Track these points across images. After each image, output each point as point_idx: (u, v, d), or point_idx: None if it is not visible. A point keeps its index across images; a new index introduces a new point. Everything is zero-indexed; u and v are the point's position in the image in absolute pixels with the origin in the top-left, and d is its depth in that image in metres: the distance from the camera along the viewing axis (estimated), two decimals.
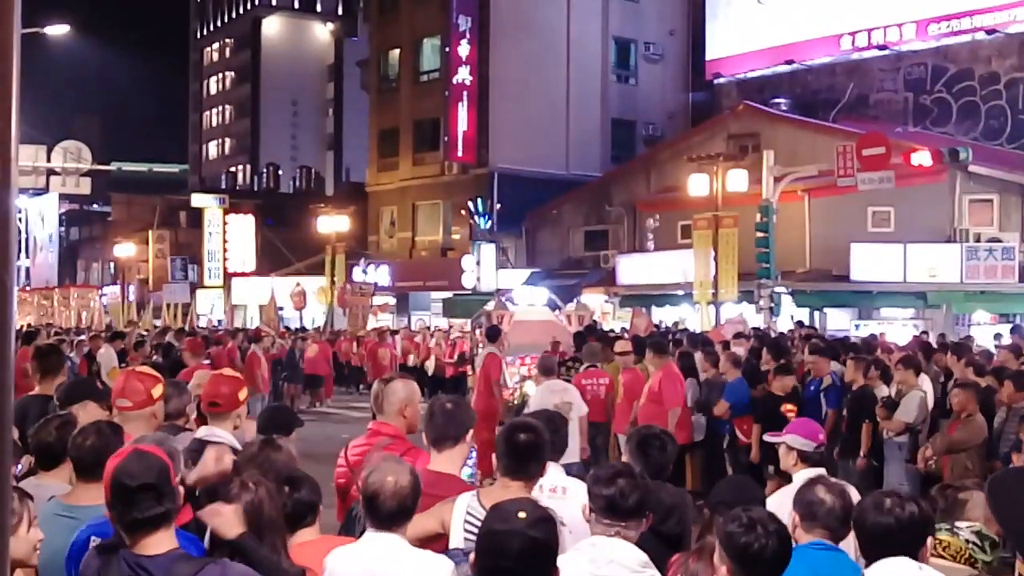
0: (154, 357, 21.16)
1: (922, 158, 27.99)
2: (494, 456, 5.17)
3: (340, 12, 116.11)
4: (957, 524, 4.98)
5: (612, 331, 25.74)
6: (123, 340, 24.26)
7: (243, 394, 6.39)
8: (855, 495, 5.26)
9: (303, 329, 37.22)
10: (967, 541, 4.87)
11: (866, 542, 4.49)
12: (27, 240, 71.33)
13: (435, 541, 4.26)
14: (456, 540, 4.86)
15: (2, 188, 1.98)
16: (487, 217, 43.35)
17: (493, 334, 17.76)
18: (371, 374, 29.03)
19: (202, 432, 5.97)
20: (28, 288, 66.24)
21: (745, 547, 4.02)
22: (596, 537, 4.44)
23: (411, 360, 31.48)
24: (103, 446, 4.67)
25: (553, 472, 5.64)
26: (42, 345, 11.79)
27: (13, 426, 5.63)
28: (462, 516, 4.89)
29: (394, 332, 35.57)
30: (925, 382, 13.66)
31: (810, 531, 4.90)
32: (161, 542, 3.92)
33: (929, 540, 4.48)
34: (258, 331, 29.16)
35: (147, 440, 4.60)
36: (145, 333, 30.20)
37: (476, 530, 4.08)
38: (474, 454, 5.61)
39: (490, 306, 27.70)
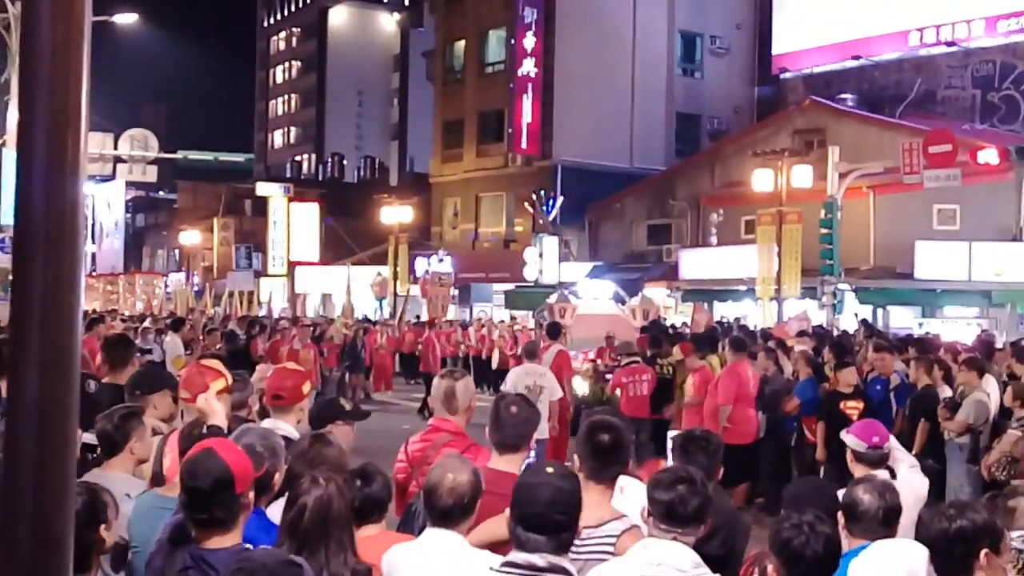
0: (217, 346, 21.35)
1: (989, 156, 27.67)
2: (575, 457, 5.16)
3: (406, 3, 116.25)
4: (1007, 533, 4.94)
5: (674, 326, 25.65)
6: (183, 327, 24.28)
7: (307, 387, 6.44)
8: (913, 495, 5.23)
9: (367, 320, 37.24)
10: (1018, 551, 4.83)
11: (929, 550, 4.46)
12: (94, 226, 72.05)
13: (506, 546, 4.28)
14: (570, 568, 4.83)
15: (71, 175, 2.01)
16: (550, 209, 43.31)
17: (554, 331, 17.65)
18: (424, 365, 28.83)
19: (266, 425, 6.04)
20: (95, 274, 67.01)
21: (787, 543, 4.15)
22: (649, 540, 4.44)
23: (460, 351, 31.56)
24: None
25: None
26: (111, 335, 11.90)
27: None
28: None
29: (465, 325, 35.64)
30: (989, 383, 13.45)
31: (853, 535, 4.88)
32: (224, 539, 4.03)
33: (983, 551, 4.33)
34: (296, 319, 29.19)
35: (252, 434, 4.69)
36: (209, 319, 30.41)
37: None
38: (533, 454, 5.58)
39: (552, 299, 27.65)
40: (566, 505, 4.01)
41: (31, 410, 1.97)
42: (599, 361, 21.98)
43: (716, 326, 24.38)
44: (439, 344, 29.48)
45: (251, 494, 4.19)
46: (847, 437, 6.91)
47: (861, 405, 13.20)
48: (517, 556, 4.00)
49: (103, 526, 4.21)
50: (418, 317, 38.27)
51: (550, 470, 4.16)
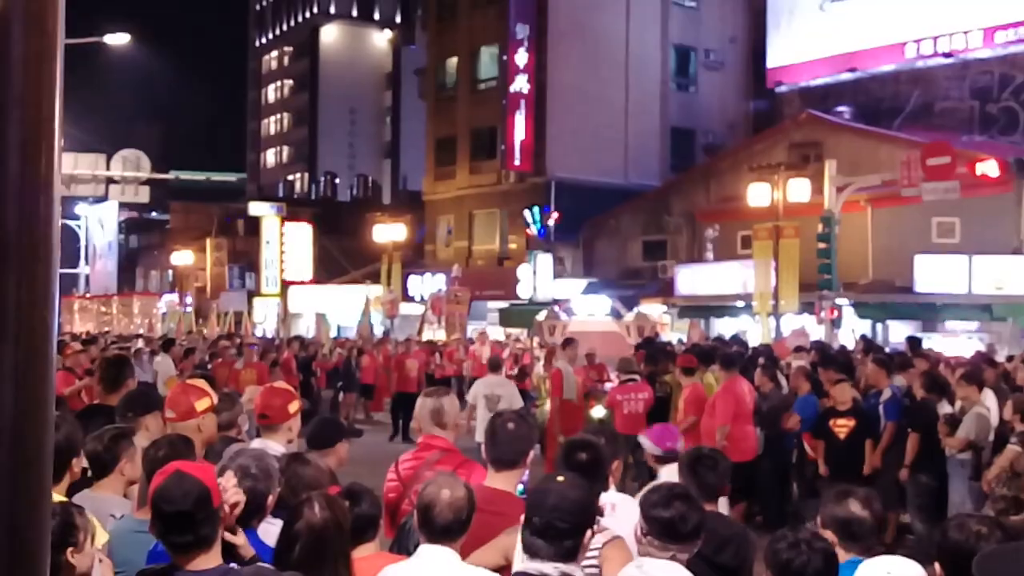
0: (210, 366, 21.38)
1: (988, 168, 27.68)
2: None
3: (398, 21, 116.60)
4: None
5: (670, 343, 25.59)
6: (173, 347, 24.27)
7: (294, 407, 6.45)
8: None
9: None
10: None
11: (947, 564, 4.43)
12: (87, 247, 72.11)
13: (500, 574, 4.30)
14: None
15: (44, 189, 2.01)
16: (544, 226, 43.35)
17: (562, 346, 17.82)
18: (395, 386, 26.67)
19: (255, 444, 6.03)
20: (88, 295, 67.07)
21: (787, 564, 4.15)
22: (644, 559, 4.44)
23: (465, 369, 31.29)
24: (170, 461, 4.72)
25: None
26: (110, 356, 11.92)
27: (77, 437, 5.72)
28: None
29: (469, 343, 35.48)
30: (989, 398, 13.46)
31: (849, 550, 4.87)
32: (208, 559, 4.02)
33: None
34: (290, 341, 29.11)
35: (246, 455, 4.69)
36: (184, 341, 30.28)
37: None
38: (527, 474, 5.58)
39: (541, 316, 27.61)
40: (569, 513, 4.04)
41: (7, 424, 1.97)
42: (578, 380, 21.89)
43: (716, 343, 24.37)
44: (437, 363, 29.12)
45: (226, 507, 4.18)
46: (643, 440, 7.53)
47: (852, 423, 13.24)
48: (528, 565, 4.04)
49: (71, 549, 4.13)
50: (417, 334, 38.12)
51: (560, 478, 4.25)
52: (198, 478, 4.03)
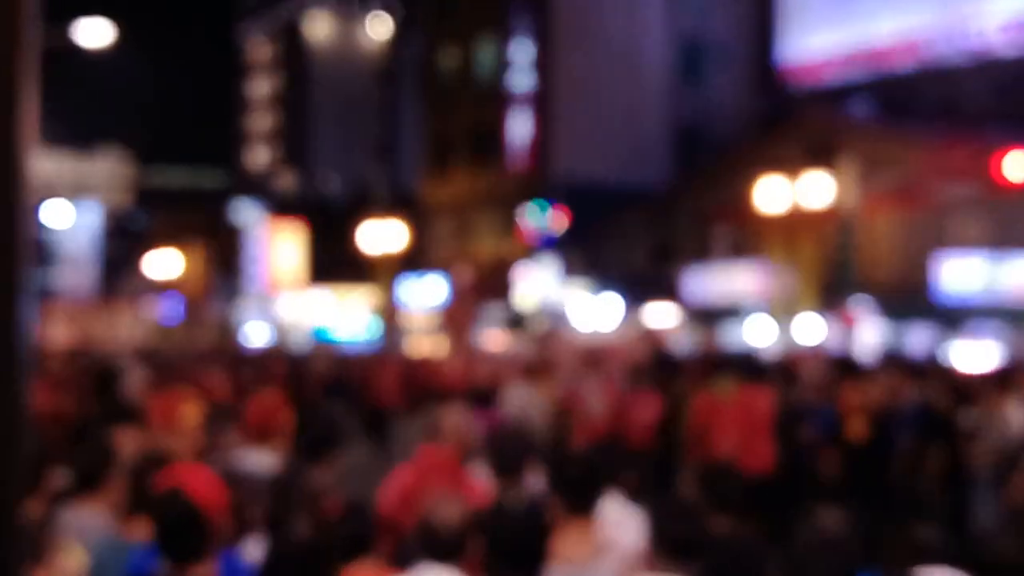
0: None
1: (1011, 167, 27.70)
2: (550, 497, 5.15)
3: (394, 13, 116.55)
4: None
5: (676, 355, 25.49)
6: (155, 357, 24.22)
7: (285, 419, 6.44)
8: None
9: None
10: None
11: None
12: (65, 251, 72.10)
13: None
14: None
15: (17, 181, 1.98)
16: (546, 228, 43.33)
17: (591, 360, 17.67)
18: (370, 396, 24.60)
19: (246, 457, 6.01)
20: (68, 300, 67.03)
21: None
22: (646, 574, 4.42)
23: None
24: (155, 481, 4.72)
25: (609, 501, 5.59)
26: (96, 367, 11.97)
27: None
28: None
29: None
30: (1014, 407, 13.45)
31: None
32: (200, 570, 4.09)
33: None
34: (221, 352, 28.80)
35: (231, 469, 4.69)
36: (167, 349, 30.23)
37: None
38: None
39: (541, 326, 27.62)
40: (536, 535, 4.18)
41: None
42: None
43: (730, 353, 24.29)
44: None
45: (223, 523, 4.19)
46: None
47: (868, 433, 13.26)
48: None
49: (38, 567, 4.11)
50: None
51: (519, 501, 4.43)
52: (193, 493, 4.12)
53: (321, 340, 40.72)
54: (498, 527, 4.19)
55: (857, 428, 13.41)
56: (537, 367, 17.80)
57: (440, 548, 4.44)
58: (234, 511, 4.46)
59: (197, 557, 4.08)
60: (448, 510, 4.50)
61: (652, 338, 25.21)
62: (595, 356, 18.16)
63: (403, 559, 5.44)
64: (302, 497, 5.09)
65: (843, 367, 16.81)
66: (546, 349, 25.16)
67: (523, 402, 16.18)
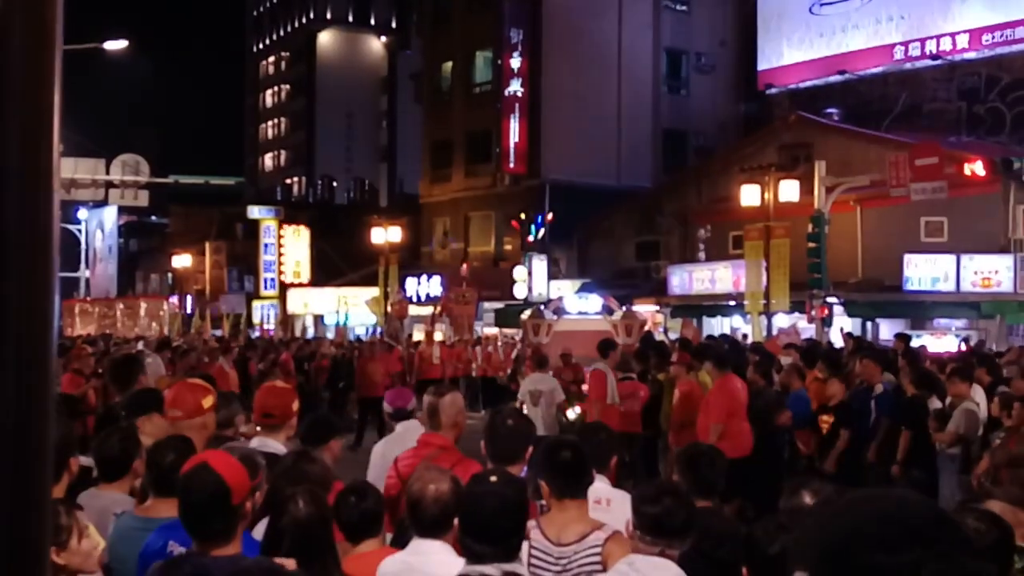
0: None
1: (975, 168, 27.73)
2: (540, 482, 5.12)
3: (394, 26, 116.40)
4: None
5: (663, 342, 25.46)
6: (170, 349, 24.10)
7: (295, 406, 6.42)
8: None
9: (359, 339, 37.13)
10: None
11: None
12: (87, 251, 71.90)
13: None
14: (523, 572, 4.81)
15: (44, 182, 1.98)
16: (538, 228, 43.33)
17: (604, 349, 17.15)
18: (361, 389, 23.85)
19: (255, 443, 6.01)
20: (89, 299, 66.90)
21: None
22: (634, 556, 4.42)
23: (472, 369, 31.11)
24: (180, 463, 4.70)
25: (597, 483, 5.60)
26: (119, 356, 11.91)
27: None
28: (527, 548, 4.76)
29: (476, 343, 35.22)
30: (978, 393, 13.48)
31: None
32: (226, 550, 4.05)
33: None
34: (227, 343, 28.60)
35: (235, 452, 4.68)
36: (182, 342, 30.04)
37: (541, 560, 4.73)
38: (525, 470, 5.56)
39: (526, 315, 27.55)
40: (512, 512, 4.03)
41: (8, 424, 1.94)
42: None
43: (709, 341, 24.28)
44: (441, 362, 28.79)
45: (248, 504, 4.20)
46: (385, 405, 8.09)
47: (834, 418, 13.29)
48: (470, 569, 3.98)
49: (55, 548, 4.09)
50: (410, 336, 37.98)
51: (494, 479, 4.19)
52: (219, 474, 4.07)
53: (326, 334, 40.58)
54: (471, 500, 4.09)
55: (825, 414, 13.45)
56: (543, 358, 17.87)
57: (426, 522, 4.49)
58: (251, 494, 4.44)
59: (226, 537, 4.05)
60: (435, 486, 4.52)
61: (632, 328, 25.01)
62: (603, 344, 17.83)
63: (402, 539, 5.47)
64: (318, 480, 5.08)
65: (816, 356, 16.83)
66: (547, 344, 25.03)
67: (536, 388, 16.24)
